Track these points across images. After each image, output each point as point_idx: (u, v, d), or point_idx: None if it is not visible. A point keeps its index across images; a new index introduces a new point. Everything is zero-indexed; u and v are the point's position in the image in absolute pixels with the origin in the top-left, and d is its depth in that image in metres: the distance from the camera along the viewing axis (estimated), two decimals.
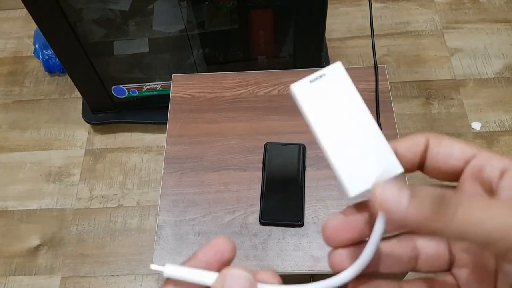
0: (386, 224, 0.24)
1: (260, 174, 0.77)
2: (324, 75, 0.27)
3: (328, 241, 0.27)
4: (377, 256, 0.27)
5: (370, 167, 0.25)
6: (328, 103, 0.26)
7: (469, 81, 1.53)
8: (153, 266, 0.27)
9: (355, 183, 0.25)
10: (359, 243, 0.27)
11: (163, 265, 0.26)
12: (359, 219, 0.26)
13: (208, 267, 0.26)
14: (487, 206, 0.22)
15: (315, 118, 0.26)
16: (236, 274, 0.25)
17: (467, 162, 0.25)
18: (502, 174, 0.24)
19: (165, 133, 0.82)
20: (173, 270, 0.26)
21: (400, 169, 0.25)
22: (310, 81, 0.27)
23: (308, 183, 0.75)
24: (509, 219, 0.21)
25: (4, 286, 1.30)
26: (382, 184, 0.23)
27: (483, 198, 0.24)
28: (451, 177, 0.27)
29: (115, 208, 1.38)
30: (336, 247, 0.27)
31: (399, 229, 0.28)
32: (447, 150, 0.26)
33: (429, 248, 0.28)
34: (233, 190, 0.76)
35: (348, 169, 0.26)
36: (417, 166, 0.27)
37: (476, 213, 0.22)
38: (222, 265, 0.27)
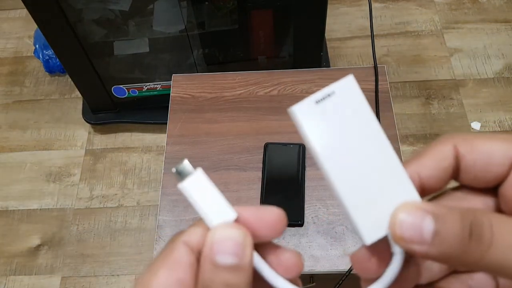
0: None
1: (260, 174, 0.77)
2: (333, 93, 0.22)
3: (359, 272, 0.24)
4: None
5: (387, 207, 0.22)
6: (339, 129, 0.22)
7: (469, 81, 1.53)
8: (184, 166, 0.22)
9: (371, 229, 0.22)
10: None
11: (194, 168, 0.23)
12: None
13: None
14: None
15: (323, 150, 0.22)
16: (223, 235, 0.22)
17: (510, 165, 0.21)
18: None
19: (165, 133, 0.82)
20: (192, 187, 0.22)
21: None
22: (317, 102, 0.22)
23: (308, 183, 0.75)
24: None
25: (5, 286, 1.29)
26: (400, 217, 0.20)
27: None
28: (492, 183, 0.22)
29: (115, 208, 1.38)
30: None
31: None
32: (485, 157, 0.21)
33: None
34: (233, 190, 0.76)
35: (363, 212, 0.22)
36: (449, 180, 0.23)
37: (510, 254, 0.19)
38: (254, 237, 0.23)
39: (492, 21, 1.65)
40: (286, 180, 0.76)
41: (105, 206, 1.39)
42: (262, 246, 0.24)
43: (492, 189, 0.23)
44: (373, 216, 0.22)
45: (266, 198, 0.75)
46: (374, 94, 0.83)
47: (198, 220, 0.24)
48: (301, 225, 0.72)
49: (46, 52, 1.55)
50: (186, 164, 0.23)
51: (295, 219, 0.73)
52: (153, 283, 0.22)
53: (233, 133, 0.81)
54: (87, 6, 1.20)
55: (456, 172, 0.23)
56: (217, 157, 0.79)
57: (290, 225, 0.73)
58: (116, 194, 1.40)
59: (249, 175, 0.77)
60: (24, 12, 1.70)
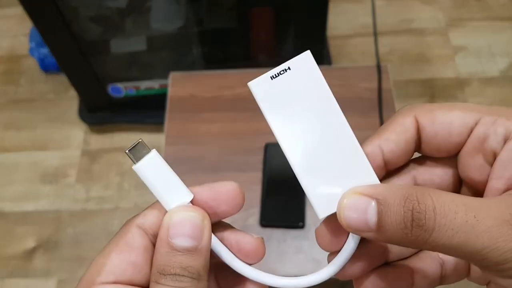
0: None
1: (260, 175, 0.76)
2: (288, 69, 0.22)
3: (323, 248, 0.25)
4: (383, 248, 0.25)
5: (342, 182, 0.22)
6: (295, 106, 0.23)
7: (474, 80, 1.53)
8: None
9: (326, 203, 0.23)
10: None
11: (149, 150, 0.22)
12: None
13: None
14: (472, 223, 0.19)
15: (279, 126, 0.23)
16: (181, 218, 0.22)
17: (469, 133, 0.22)
18: (505, 141, 0.21)
19: (163, 133, 0.82)
20: (147, 168, 0.22)
21: (376, 182, 0.22)
22: (272, 77, 0.22)
23: None
24: (495, 234, 0.19)
25: None
26: (345, 204, 0.21)
27: (462, 212, 0.19)
28: (453, 152, 0.23)
29: (112, 210, 1.37)
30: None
31: None
32: (445, 127, 0.22)
33: None
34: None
35: (318, 187, 0.23)
36: (413, 153, 0.24)
37: (453, 237, 0.19)
38: (214, 215, 0.23)
39: (497, 19, 1.64)
40: (287, 181, 0.75)
41: (101, 207, 1.38)
42: (222, 229, 0.24)
43: (453, 157, 0.24)
44: (328, 192, 0.23)
45: (267, 199, 0.74)
46: (377, 93, 0.83)
47: (153, 203, 0.24)
48: (302, 227, 0.72)
49: (42, 51, 1.54)
50: (140, 144, 0.22)
51: (296, 221, 0.72)
52: (106, 266, 0.22)
53: (233, 133, 0.81)
54: (83, 3, 1.19)
55: (418, 143, 0.23)
56: (216, 158, 0.79)
57: (291, 227, 0.72)
58: (113, 196, 1.39)
59: (249, 176, 0.77)
60: (20, 10, 1.68)
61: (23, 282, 1.28)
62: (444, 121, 0.22)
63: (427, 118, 0.22)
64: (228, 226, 0.25)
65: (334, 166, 0.23)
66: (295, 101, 0.23)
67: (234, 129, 0.81)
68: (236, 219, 0.74)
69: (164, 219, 0.22)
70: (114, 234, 0.23)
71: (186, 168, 0.78)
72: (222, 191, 0.24)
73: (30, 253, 1.32)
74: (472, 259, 0.20)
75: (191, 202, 0.23)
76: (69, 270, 1.29)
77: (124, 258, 0.22)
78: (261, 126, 0.81)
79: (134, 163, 0.22)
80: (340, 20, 1.66)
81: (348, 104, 0.81)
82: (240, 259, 0.24)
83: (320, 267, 0.74)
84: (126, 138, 1.49)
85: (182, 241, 0.21)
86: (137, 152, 0.22)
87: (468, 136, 0.22)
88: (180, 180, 0.23)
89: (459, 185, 0.24)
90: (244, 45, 1.35)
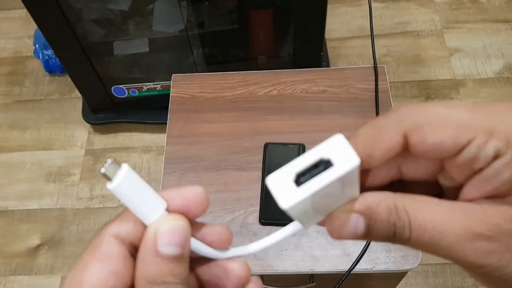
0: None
1: (260, 174, 0.77)
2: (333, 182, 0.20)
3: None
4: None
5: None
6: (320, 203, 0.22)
7: (469, 81, 1.53)
8: (103, 169, 0.22)
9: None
10: None
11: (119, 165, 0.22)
12: None
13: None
14: (437, 239, 0.21)
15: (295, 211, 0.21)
16: (168, 228, 0.22)
17: (460, 150, 0.21)
18: (493, 159, 0.21)
19: (165, 133, 0.82)
20: (121, 186, 0.21)
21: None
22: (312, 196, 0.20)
23: None
24: (457, 249, 0.21)
25: (4, 286, 1.29)
26: (336, 222, 0.22)
27: (429, 228, 0.21)
28: (439, 163, 0.24)
29: (115, 208, 1.38)
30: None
31: None
32: (435, 148, 0.22)
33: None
34: (233, 190, 0.76)
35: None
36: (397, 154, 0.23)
37: (424, 248, 0.22)
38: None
39: (492, 21, 1.65)
40: None
41: (105, 206, 1.38)
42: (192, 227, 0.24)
43: None
44: (318, 213, 0.23)
45: (266, 198, 0.75)
46: (374, 94, 0.83)
47: (123, 212, 0.24)
48: None
49: (46, 52, 1.55)
50: (110, 163, 0.22)
51: None
52: (85, 279, 0.21)
53: (233, 133, 0.81)
54: (87, 6, 1.20)
55: (401, 152, 0.23)
56: (217, 157, 0.79)
57: None
58: None
59: (249, 175, 0.77)
60: (24, 12, 1.69)
61: (27, 279, 1.29)
62: (435, 142, 0.21)
63: (417, 137, 0.22)
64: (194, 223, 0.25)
65: (330, 203, 0.23)
66: (324, 200, 0.21)
67: (234, 129, 0.81)
68: (237, 217, 0.74)
69: (149, 229, 0.22)
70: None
71: (187, 167, 0.78)
72: (191, 197, 0.24)
73: (34, 251, 1.33)
74: (449, 259, 0.22)
75: (166, 209, 0.23)
76: None
77: (104, 267, 0.21)
78: (261, 126, 0.82)
79: (108, 183, 0.22)
80: (338, 23, 1.67)
81: (346, 105, 0.82)
82: (214, 248, 0.25)
83: (318, 263, 0.75)
84: (129, 138, 1.50)
85: (172, 250, 0.21)
86: (110, 171, 0.22)
87: (459, 152, 0.22)
88: (152, 189, 0.23)
89: (443, 169, 0.24)
90: (244, 47, 1.35)
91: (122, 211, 0.24)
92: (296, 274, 0.71)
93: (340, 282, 0.68)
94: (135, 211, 0.22)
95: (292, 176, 0.19)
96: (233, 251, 0.25)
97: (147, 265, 0.21)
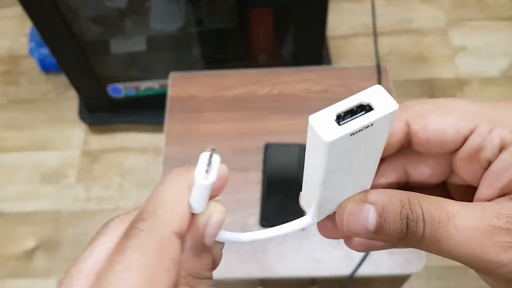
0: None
1: (260, 174, 0.76)
2: (371, 125, 0.20)
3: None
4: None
5: (341, 193, 0.23)
6: (351, 154, 0.21)
7: (473, 80, 1.53)
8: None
9: (323, 212, 0.24)
10: None
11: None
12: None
13: None
14: (453, 233, 0.20)
15: (328, 171, 0.21)
16: (218, 218, 0.22)
17: (464, 140, 0.21)
18: (500, 150, 0.21)
19: (163, 133, 0.82)
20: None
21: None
22: (352, 134, 0.20)
23: None
24: (473, 245, 0.20)
25: None
26: (347, 211, 0.22)
27: (444, 221, 0.20)
28: (446, 152, 0.23)
29: (112, 210, 1.37)
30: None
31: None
32: (438, 135, 0.21)
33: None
34: (233, 191, 0.76)
35: (325, 202, 0.23)
36: (400, 147, 0.23)
37: (437, 245, 0.21)
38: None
39: (497, 19, 1.64)
40: (286, 181, 0.76)
41: (102, 207, 1.38)
42: None
43: None
44: (330, 201, 0.23)
45: (267, 199, 0.74)
46: None
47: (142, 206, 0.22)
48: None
49: (42, 51, 1.54)
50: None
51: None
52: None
53: (233, 133, 0.81)
54: (84, 4, 1.20)
55: (407, 141, 0.23)
56: None
57: None
58: (113, 196, 1.39)
59: (249, 176, 0.77)
60: (19, 10, 1.69)
61: (23, 282, 1.28)
62: (437, 128, 0.21)
63: (419, 124, 0.22)
64: None
65: (347, 185, 0.22)
66: (355, 151, 0.21)
67: (234, 129, 0.81)
68: (237, 218, 0.74)
69: (201, 219, 0.21)
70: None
71: None
72: (222, 175, 0.23)
73: (30, 253, 1.32)
74: (459, 261, 0.21)
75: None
76: None
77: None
78: (261, 126, 0.81)
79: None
80: (340, 20, 1.66)
81: None
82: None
83: (320, 267, 0.74)
84: (126, 138, 1.49)
85: (211, 241, 0.21)
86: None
87: (463, 143, 0.22)
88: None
89: (450, 173, 0.24)
90: (243, 45, 1.35)
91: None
92: (297, 277, 0.70)
93: (342, 285, 0.67)
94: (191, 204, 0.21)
95: (333, 116, 0.20)
96: (235, 235, 0.25)
97: (192, 257, 0.21)
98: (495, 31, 1.62)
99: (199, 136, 0.81)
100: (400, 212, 0.21)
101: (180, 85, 0.87)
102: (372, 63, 0.87)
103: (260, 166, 0.77)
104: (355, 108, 0.20)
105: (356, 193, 0.23)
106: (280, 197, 0.74)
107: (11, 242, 1.34)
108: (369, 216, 0.21)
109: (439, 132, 0.21)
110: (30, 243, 1.34)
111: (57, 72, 1.60)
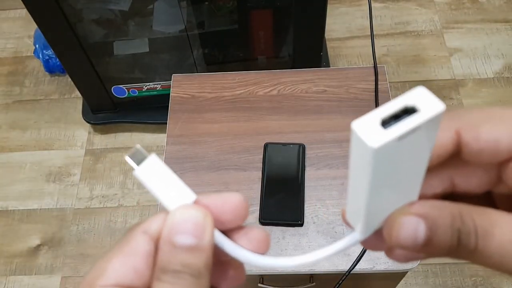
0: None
1: (260, 174, 0.77)
2: (419, 128, 0.19)
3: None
4: None
5: (389, 207, 0.22)
6: (400, 162, 0.20)
7: (469, 81, 1.53)
8: (127, 158, 0.22)
9: (369, 228, 0.22)
10: None
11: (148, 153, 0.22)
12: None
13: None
14: (502, 250, 0.19)
15: (376, 180, 0.20)
16: (183, 216, 0.21)
17: None
18: None
19: (165, 133, 0.82)
20: (147, 173, 0.21)
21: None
22: (400, 139, 0.18)
23: (308, 183, 0.75)
24: None
25: (4, 286, 1.29)
26: (397, 224, 0.21)
27: (498, 235, 0.20)
28: (493, 165, 0.22)
29: (115, 208, 1.38)
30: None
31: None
32: (491, 146, 0.20)
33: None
34: (233, 190, 0.76)
35: (372, 216, 0.22)
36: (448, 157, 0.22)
37: (490, 259, 0.20)
38: (218, 223, 0.23)
39: (492, 21, 1.65)
40: (286, 180, 0.76)
41: (105, 206, 1.38)
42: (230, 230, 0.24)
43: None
44: (377, 215, 0.22)
45: (266, 198, 0.75)
46: (373, 94, 0.83)
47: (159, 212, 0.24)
48: (301, 225, 0.72)
49: (46, 52, 1.55)
50: (139, 150, 0.22)
51: (295, 219, 0.72)
52: (107, 270, 0.21)
53: (233, 133, 0.81)
54: (87, 6, 1.20)
55: (454, 153, 0.22)
56: (217, 157, 0.79)
57: (290, 225, 0.72)
58: (116, 194, 1.40)
59: (249, 175, 0.77)
60: (24, 12, 1.70)
61: (27, 279, 1.29)
62: (490, 138, 0.20)
63: (472, 133, 0.20)
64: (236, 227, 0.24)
65: (393, 197, 0.21)
66: (403, 158, 0.19)
67: (234, 129, 0.81)
68: None
69: (167, 219, 0.21)
70: (117, 232, 0.24)
71: (187, 167, 0.78)
72: (227, 200, 0.23)
73: (34, 251, 1.33)
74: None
75: (194, 203, 0.22)
76: (73, 267, 1.30)
77: (126, 262, 0.21)
78: (261, 126, 0.82)
79: (133, 169, 0.22)
80: (338, 23, 1.67)
81: (346, 105, 0.82)
82: (246, 249, 0.23)
83: (318, 264, 0.75)
84: (129, 138, 1.50)
85: (183, 239, 0.21)
86: (136, 158, 0.22)
87: None
88: (183, 183, 0.22)
89: (497, 182, 0.23)
90: (244, 47, 1.35)
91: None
92: (295, 274, 0.71)
93: (340, 282, 0.68)
94: (160, 199, 0.22)
95: (377, 121, 0.18)
96: (272, 260, 0.23)
97: (161, 253, 0.21)
98: (490, 33, 1.62)
99: (200, 136, 0.81)
100: (451, 225, 0.20)
101: (182, 86, 0.86)
102: (370, 64, 0.87)
103: (260, 165, 0.77)
104: (399, 113, 0.19)
105: (404, 205, 0.21)
106: (279, 196, 0.74)
107: (16, 240, 1.35)
108: (419, 230, 0.20)
109: (492, 142, 0.20)
110: (34, 241, 1.35)
111: (61, 73, 1.61)
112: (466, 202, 0.22)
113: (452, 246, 0.20)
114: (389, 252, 0.24)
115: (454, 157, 0.22)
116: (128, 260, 0.22)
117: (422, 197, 0.22)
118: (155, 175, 0.22)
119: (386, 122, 0.18)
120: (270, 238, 0.24)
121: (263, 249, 0.24)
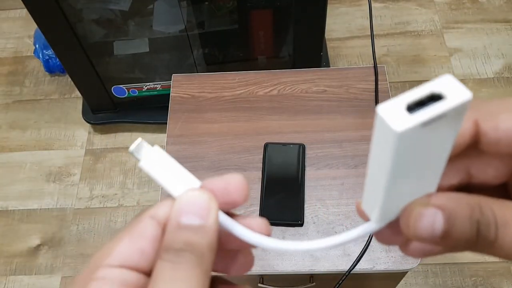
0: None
1: (260, 174, 0.77)
2: (445, 116, 0.18)
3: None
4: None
5: (406, 198, 0.22)
6: (420, 149, 0.19)
7: (469, 81, 1.53)
8: (132, 148, 0.22)
9: (385, 216, 0.22)
10: None
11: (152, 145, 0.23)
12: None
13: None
14: None
15: (396, 168, 0.20)
16: (189, 199, 0.22)
17: None
18: None
19: (165, 133, 0.82)
20: (152, 162, 0.22)
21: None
22: (424, 125, 0.18)
23: (308, 182, 0.76)
24: None
25: (4, 286, 1.30)
26: (414, 214, 0.21)
27: None
28: (509, 156, 0.22)
29: (115, 208, 1.38)
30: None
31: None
32: (509, 134, 0.20)
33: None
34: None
35: (390, 204, 0.22)
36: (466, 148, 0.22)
37: None
38: (226, 205, 0.23)
39: (492, 21, 1.65)
40: (286, 180, 0.76)
41: (105, 206, 1.39)
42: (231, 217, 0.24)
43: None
44: (394, 205, 0.22)
45: (266, 198, 0.75)
46: (374, 94, 0.83)
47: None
48: (301, 225, 0.72)
49: (46, 52, 1.55)
50: (142, 142, 0.23)
51: (295, 219, 0.73)
52: (114, 251, 0.22)
53: (233, 133, 0.81)
54: (87, 6, 1.20)
55: (472, 143, 0.21)
56: (217, 157, 0.79)
57: (290, 225, 0.72)
58: (116, 194, 1.40)
59: (249, 175, 0.77)
60: (24, 12, 1.70)
61: (27, 279, 1.30)
62: (509, 128, 0.20)
63: (490, 123, 0.20)
64: (236, 215, 0.25)
65: (413, 187, 0.21)
66: (425, 146, 0.19)
67: (234, 129, 0.81)
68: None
69: (175, 203, 0.22)
70: (117, 232, 0.24)
71: (187, 167, 0.75)
72: (231, 181, 0.23)
73: (34, 251, 1.33)
74: None
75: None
76: (73, 267, 1.30)
77: (132, 244, 0.22)
78: (261, 126, 0.82)
79: (139, 161, 0.22)
80: (338, 23, 1.67)
81: (346, 105, 0.82)
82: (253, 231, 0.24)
83: (318, 263, 0.75)
84: (129, 138, 1.50)
85: (188, 219, 0.21)
86: (139, 151, 0.23)
87: None
88: (188, 171, 0.23)
89: None
90: (244, 47, 1.35)
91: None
92: (296, 274, 0.71)
93: (340, 282, 0.68)
94: (166, 187, 0.23)
95: (403, 106, 0.18)
96: (283, 242, 0.24)
97: (166, 233, 0.22)
98: (490, 33, 1.62)
99: (200, 136, 0.81)
100: (470, 217, 0.20)
101: (182, 86, 0.86)
102: (370, 64, 0.86)
103: (260, 165, 0.77)
104: (425, 100, 0.18)
105: (422, 196, 0.21)
106: (279, 196, 0.74)
107: (16, 240, 1.35)
108: (436, 220, 0.20)
109: (511, 131, 0.20)
110: (34, 241, 1.35)
111: (61, 73, 1.61)
112: (481, 194, 0.22)
113: (471, 238, 0.20)
114: (405, 246, 0.23)
115: (471, 148, 0.22)
116: (135, 242, 0.22)
117: (439, 188, 0.22)
118: (160, 165, 0.23)
119: (412, 108, 0.18)
120: (270, 227, 0.25)
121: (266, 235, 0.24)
